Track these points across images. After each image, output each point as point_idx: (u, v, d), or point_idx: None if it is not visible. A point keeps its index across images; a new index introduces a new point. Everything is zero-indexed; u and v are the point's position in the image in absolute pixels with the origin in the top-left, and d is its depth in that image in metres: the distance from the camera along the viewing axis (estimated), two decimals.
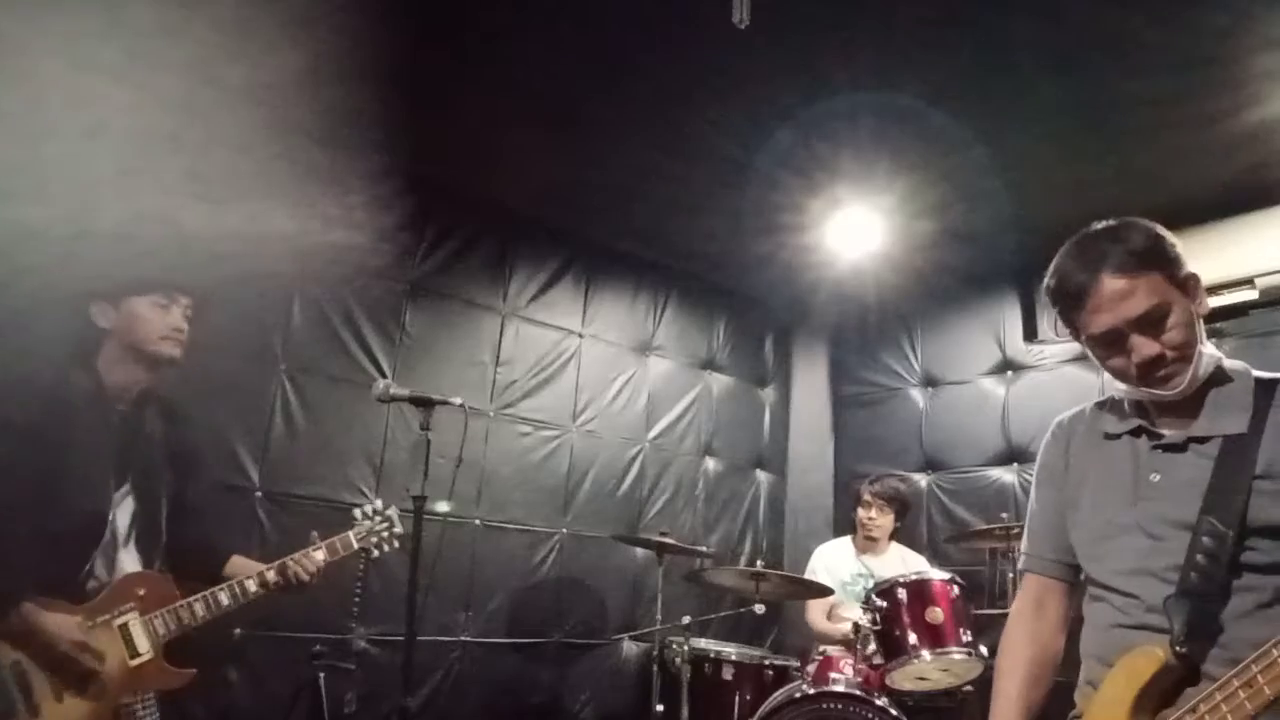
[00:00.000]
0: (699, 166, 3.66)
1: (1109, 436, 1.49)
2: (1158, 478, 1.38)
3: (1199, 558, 1.28)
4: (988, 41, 2.78)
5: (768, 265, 4.63)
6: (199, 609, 2.11)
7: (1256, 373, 1.41)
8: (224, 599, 2.15)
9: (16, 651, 1.84)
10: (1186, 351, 1.34)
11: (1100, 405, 1.55)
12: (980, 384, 4.56)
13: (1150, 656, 1.27)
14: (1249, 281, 3.55)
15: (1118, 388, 1.46)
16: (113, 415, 2.07)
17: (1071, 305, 1.40)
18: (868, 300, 4.81)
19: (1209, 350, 1.38)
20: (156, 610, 2.05)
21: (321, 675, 3.05)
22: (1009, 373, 4.47)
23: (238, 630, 3.14)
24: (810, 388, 5.27)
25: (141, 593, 2.05)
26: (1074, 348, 4.21)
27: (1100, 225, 1.42)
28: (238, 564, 2.33)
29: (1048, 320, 4.35)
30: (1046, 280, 1.46)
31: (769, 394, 5.23)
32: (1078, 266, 1.38)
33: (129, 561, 2.07)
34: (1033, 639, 1.55)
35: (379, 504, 2.50)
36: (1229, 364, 1.41)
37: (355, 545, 2.43)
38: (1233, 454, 1.32)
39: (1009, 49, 2.81)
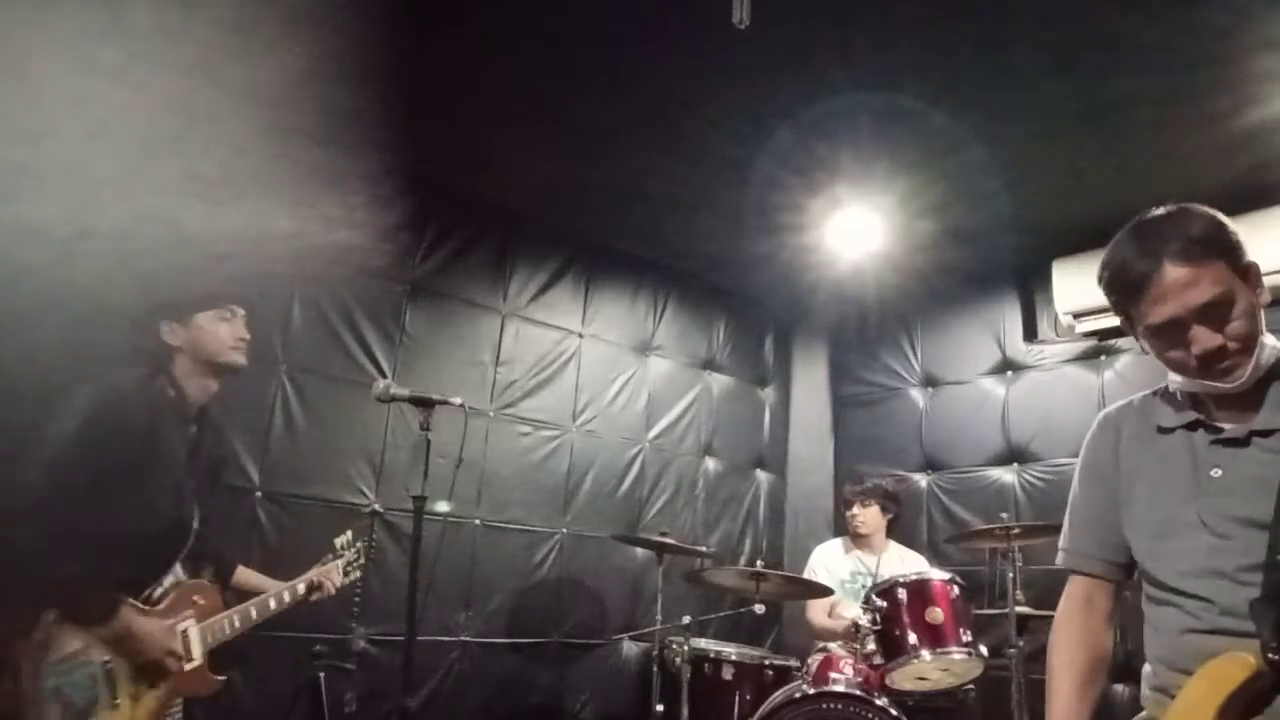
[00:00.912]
0: (699, 166, 3.66)
1: (1163, 430, 1.43)
2: (1219, 473, 1.32)
3: None
4: (988, 41, 2.77)
5: (768, 265, 4.63)
6: (237, 621, 2.25)
7: None
8: (253, 613, 2.31)
9: (109, 651, 1.95)
10: (1249, 343, 1.29)
11: (1150, 398, 1.49)
12: (980, 384, 4.55)
13: (1240, 663, 1.21)
14: None
15: (1173, 379, 1.41)
16: (188, 426, 2.20)
17: (1131, 295, 1.33)
18: (868, 300, 4.81)
19: (1270, 341, 1.33)
20: (208, 619, 2.18)
21: (321, 675, 3.05)
22: (1009, 373, 4.47)
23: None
24: (810, 388, 5.27)
25: (200, 601, 2.18)
26: (1074, 348, 4.22)
27: (1158, 211, 1.37)
28: (243, 575, 2.46)
29: (1048, 320, 4.36)
30: (1101, 269, 1.39)
31: (769, 394, 5.23)
32: (1137, 254, 1.32)
33: (182, 568, 2.19)
34: (1085, 640, 1.49)
35: (349, 536, 2.64)
36: None
37: (340, 580, 2.60)
38: None
39: (1009, 49, 2.80)
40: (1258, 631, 1.21)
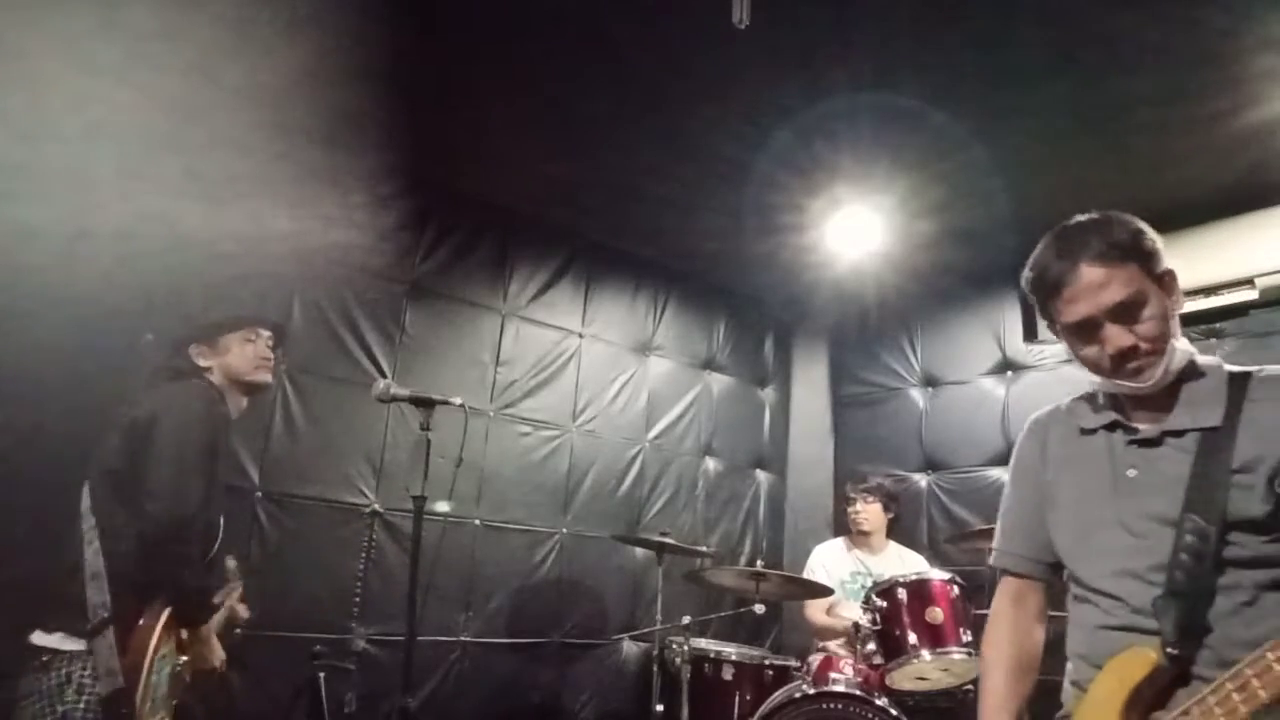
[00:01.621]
0: (699, 166, 3.66)
1: (1084, 432, 1.49)
2: (1134, 473, 1.39)
3: (1184, 556, 1.28)
4: (988, 41, 2.77)
5: (767, 265, 4.63)
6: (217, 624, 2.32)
7: (1229, 366, 1.41)
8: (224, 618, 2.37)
9: (183, 655, 2.07)
10: (1159, 345, 1.35)
11: (1076, 401, 1.56)
12: (980, 384, 4.55)
13: (1142, 658, 1.27)
14: (1249, 281, 3.55)
15: (1091, 380, 1.47)
16: (227, 435, 2.29)
17: (1049, 294, 1.41)
18: (868, 300, 4.81)
19: (1182, 345, 1.38)
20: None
21: (321, 675, 3.05)
22: (1009, 373, 4.47)
23: (238, 630, 3.14)
24: (810, 388, 5.27)
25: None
26: None
27: (1082, 217, 1.43)
28: None
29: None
30: (1026, 271, 1.46)
31: (769, 394, 5.23)
32: (1056, 255, 1.39)
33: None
34: (1015, 637, 1.56)
35: (234, 563, 2.58)
36: (1201, 359, 1.41)
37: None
38: (1210, 448, 1.32)
39: (1009, 49, 2.81)
40: (1159, 627, 1.26)
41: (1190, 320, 3.72)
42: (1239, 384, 1.36)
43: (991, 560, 1.65)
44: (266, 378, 2.37)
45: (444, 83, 3.14)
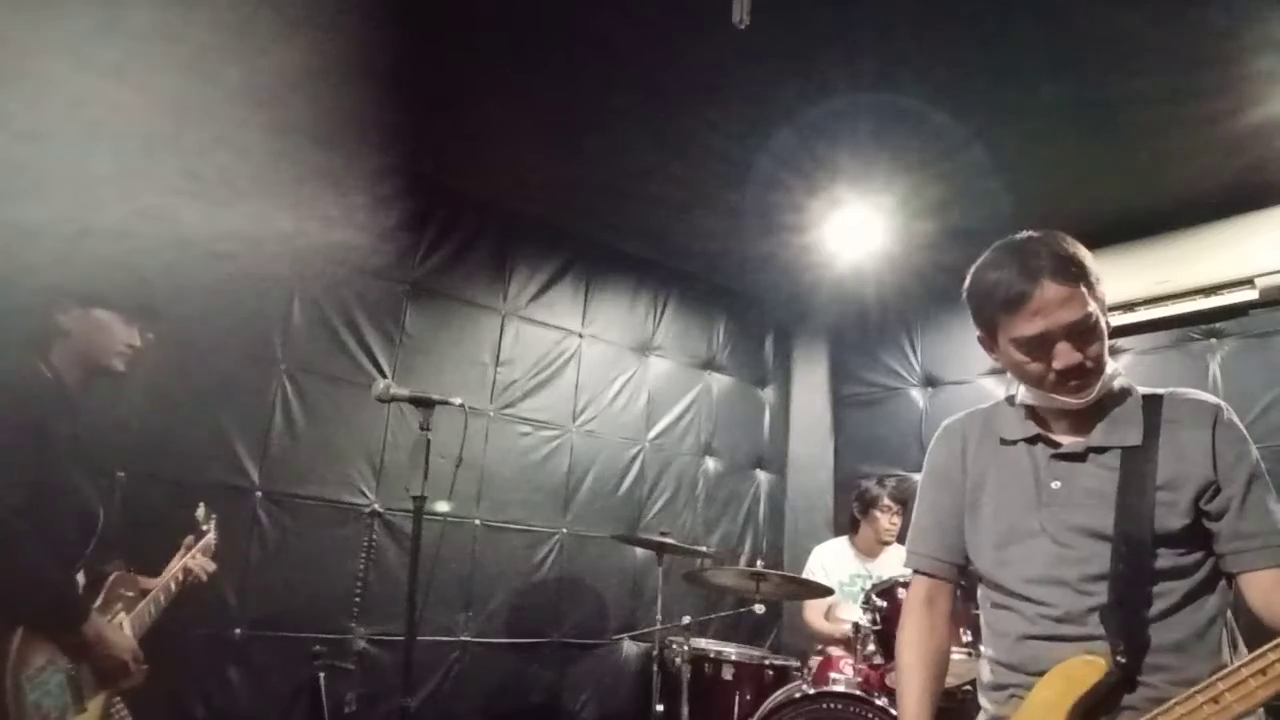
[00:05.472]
0: (699, 166, 3.66)
1: (1006, 442, 1.53)
2: (1058, 485, 1.43)
3: (1122, 567, 1.33)
4: (988, 41, 2.78)
5: (768, 265, 4.63)
6: (153, 608, 2.20)
7: (1141, 389, 1.47)
8: (162, 600, 2.24)
9: (73, 658, 1.92)
10: (1100, 364, 1.40)
11: (993, 410, 1.60)
12: (980, 384, 4.55)
13: (1092, 665, 1.31)
14: (1249, 281, 3.54)
15: (1016, 391, 1.52)
16: (66, 413, 2.04)
17: (1007, 309, 1.41)
18: (868, 300, 4.81)
19: (1112, 365, 1.44)
20: (133, 610, 2.15)
21: (321, 675, 3.05)
22: (1009, 373, 4.46)
23: (238, 630, 3.14)
24: (810, 388, 5.27)
25: (128, 594, 2.15)
26: None
27: (1031, 234, 1.46)
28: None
29: None
30: (975, 284, 1.48)
31: (769, 394, 5.23)
32: (1018, 272, 1.40)
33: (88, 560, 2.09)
34: (927, 635, 1.61)
35: (204, 509, 2.48)
36: (1117, 380, 1.46)
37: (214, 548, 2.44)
38: (1134, 466, 1.37)
39: (1009, 49, 2.81)
40: (1107, 636, 1.32)
41: (1190, 320, 3.72)
42: (1153, 405, 1.42)
43: (905, 562, 1.70)
44: (121, 367, 2.12)
45: (444, 83, 3.14)
